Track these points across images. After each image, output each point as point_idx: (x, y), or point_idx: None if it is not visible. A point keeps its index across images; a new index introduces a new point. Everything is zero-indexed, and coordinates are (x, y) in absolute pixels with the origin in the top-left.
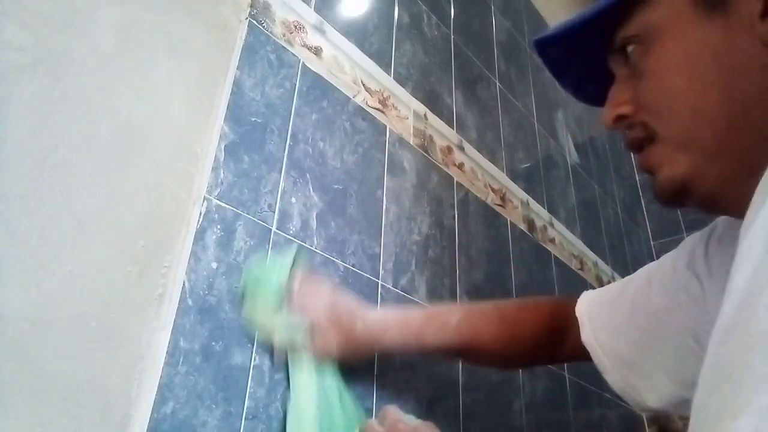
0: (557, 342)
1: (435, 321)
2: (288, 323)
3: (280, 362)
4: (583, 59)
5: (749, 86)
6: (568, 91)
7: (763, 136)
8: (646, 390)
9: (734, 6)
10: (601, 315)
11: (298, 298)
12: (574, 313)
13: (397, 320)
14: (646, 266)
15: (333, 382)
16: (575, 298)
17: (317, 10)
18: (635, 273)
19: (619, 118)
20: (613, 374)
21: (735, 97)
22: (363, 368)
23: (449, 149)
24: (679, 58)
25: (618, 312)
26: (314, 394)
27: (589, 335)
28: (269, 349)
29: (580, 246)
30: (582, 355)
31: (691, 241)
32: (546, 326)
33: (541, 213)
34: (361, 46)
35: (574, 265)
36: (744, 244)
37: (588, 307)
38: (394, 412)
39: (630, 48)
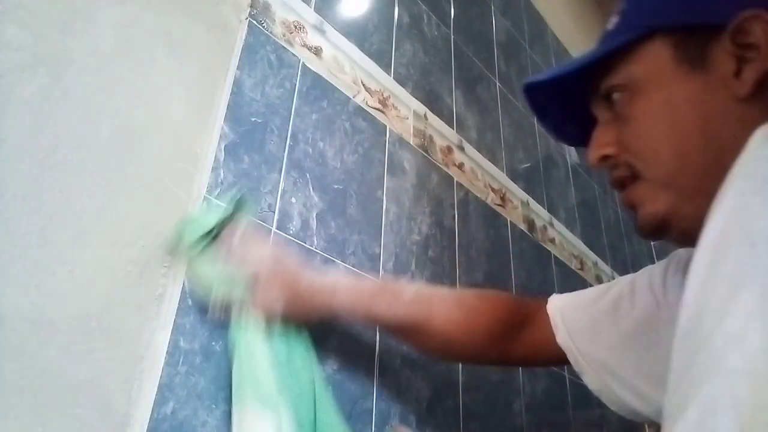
0: (511, 338)
1: (388, 292)
2: (226, 274)
3: (215, 317)
4: (565, 104)
5: (724, 135)
6: (549, 133)
7: None
8: (627, 394)
9: (712, 65)
10: (577, 317)
11: (238, 249)
12: (537, 313)
13: (347, 284)
14: (623, 277)
15: (281, 342)
16: (538, 300)
17: (317, 10)
18: (609, 282)
19: (604, 158)
20: (591, 376)
21: (712, 145)
22: (363, 368)
23: (449, 149)
24: (663, 108)
25: (597, 315)
26: (265, 353)
27: (564, 336)
28: (202, 304)
29: (580, 246)
30: (535, 356)
31: (650, 270)
32: (503, 319)
33: (541, 213)
34: (361, 46)
35: (574, 265)
36: (693, 265)
37: (561, 309)
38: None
39: (615, 95)
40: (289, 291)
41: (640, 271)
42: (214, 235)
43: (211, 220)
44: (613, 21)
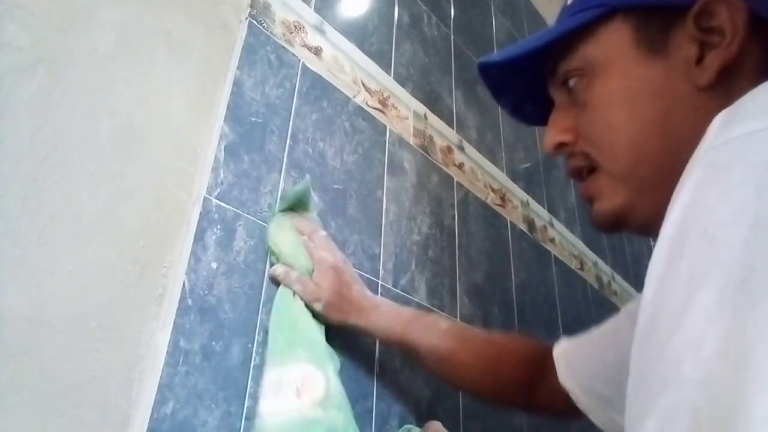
0: (535, 382)
1: (426, 319)
2: (297, 247)
3: (271, 280)
4: (522, 81)
5: (684, 126)
6: (506, 111)
7: None
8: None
9: (673, 50)
10: (579, 356)
11: (311, 245)
12: (550, 359)
13: (388, 306)
14: (624, 307)
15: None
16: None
17: (317, 10)
18: (610, 318)
19: (560, 146)
20: (596, 412)
21: (671, 135)
22: (363, 368)
23: (449, 149)
24: (621, 94)
25: (597, 350)
26: (313, 323)
27: (565, 377)
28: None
29: (580, 246)
30: (553, 405)
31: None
32: (528, 363)
33: (541, 213)
34: (361, 46)
35: (574, 265)
36: (651, 261)
37: (564, 351)
38: (439, 428)
39: (572, 80)
40: (337, 291)
41: (637, 297)
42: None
43: (294, 196)
44: None
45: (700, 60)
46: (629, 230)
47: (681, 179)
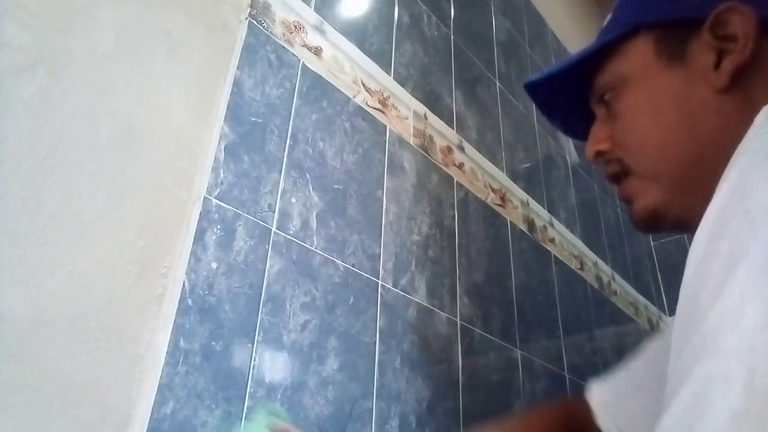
0: None
1: None
2: None
3: None
4: (570, 99)
5: (705, 127)
6: (557, 128)
7: (720, 169)
8: None
9: (692, 58)
10: (618, 400)
11: None
12: (585, 410)
13: None
14: (651, 342)
15: None
16: (581, 396)
17: (317, 10)
18: (639, 355)
19: (599, 154)
20: None
21: (693, 137)
22: (363, 368)
23: (449, 149)
24: (645, 102)
25: (634, 389)
26: None
27: (607, 424)
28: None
29: (580, 246)
30: None
31: None
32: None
33: (541, 213)
34: (361, 46)
35: (574, 265)
36: (693, 242)
37: (601, 398)
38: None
39: (607, 93)
40: None
41: (662, 332)
42: None
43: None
44: (607, 18)
45: (717, 65)
46: (667, 228)
47: (727, 167)
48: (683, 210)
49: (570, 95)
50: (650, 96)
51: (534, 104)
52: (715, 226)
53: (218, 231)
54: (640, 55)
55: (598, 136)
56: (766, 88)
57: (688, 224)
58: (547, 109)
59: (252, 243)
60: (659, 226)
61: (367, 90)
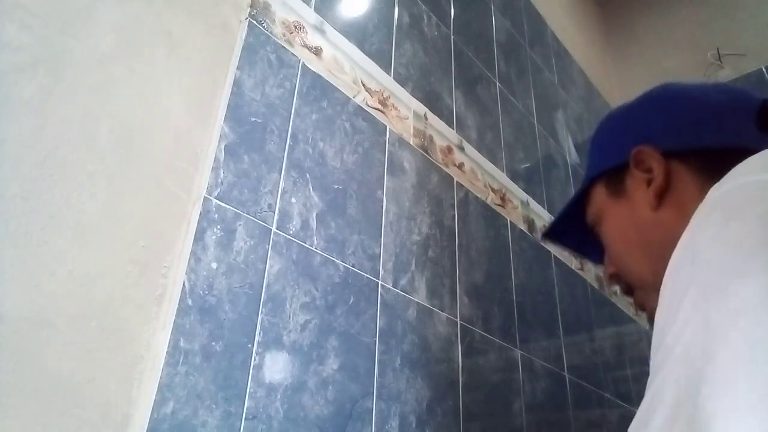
0: None
1: None
2: None
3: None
4: (585, 232)
5: (656, 238)
6: (595, 262)
7: None
8: None
9: (630, 191)
10: None
11: None
12: None
13: None
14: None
15: None
16: None
17: (317, 10)
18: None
19: (612, 277)
20: None
21: (652, 248)
22: (363, 368)
23: (449, 149)
24: (613, 232)
25: None
26: None
27: None
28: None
29: None
30: None
31: None
32: None
33: (541, 213)
34: (361, 46)
35: (574, 265)
36: (662, 286)
37: None
38: None
39: (596, 229)
40: None
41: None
42: None
43: None
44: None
45: (647, 188)
46: None
47: (684, 231)
48: None
49: (587, 233)
50: (615, 227)
51: (566, 249)
52: (672, 272)
53: (218, 231)
54: (599, 199)
55: (607, 263)
56: (689, 195)
57: None
58: (579, 251)
59: (252, 243)
60: None
61: (367, 90)
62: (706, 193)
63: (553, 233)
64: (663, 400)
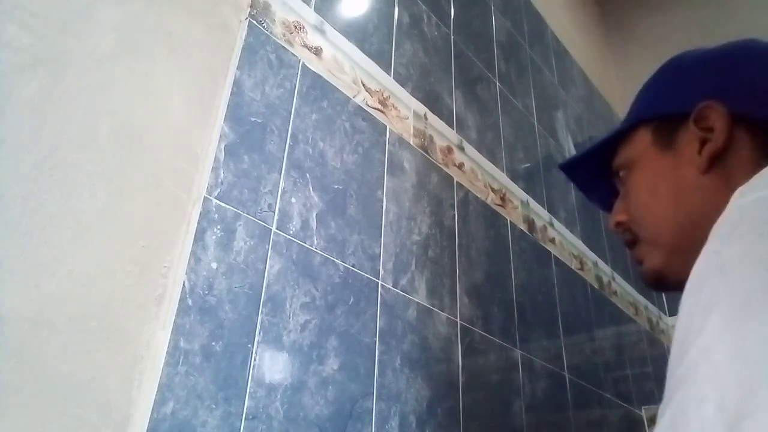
0: None
1: None
2: None
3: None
4: (600, 179)
5: (692, 201)
6: (596, 206)
7: (708, 235)
8: None
9: (680, 145)
10: None
11: None
12: None
13: None
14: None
15: None
16: None
17: (317, 10)
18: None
19: (617, 224)
20: None
21: (683, 210)
22: (363, 368)
23: (449, 149)
24: (645, 182)
25: None
26: None
27: None
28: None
29: (580, 246)
30: None
31: None
32: None
33: (541, 213)
34: (361, 46)
35: (574, 265)
36: (682, 299)
37: None
38: None
39: (620, 173)
40: None
41: None
42: None
43: None
44: (627, 110)
45: (700, 151)
46: (671, 285)
47: (710, 235)
48: (682, 270)
49: (600, 176)
50: (648, 177)
51: (575, 186)
52: (696, 282)
53: (218, 231)
54: (640, 143)
55: (617, 209)
56: (743, 168)
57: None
58: (586, 190)
59: (252, 243)
60: (664, 284)
61: (367, 90)
62: (758, 169)
63: (571, 164)
64: (689, 424)
